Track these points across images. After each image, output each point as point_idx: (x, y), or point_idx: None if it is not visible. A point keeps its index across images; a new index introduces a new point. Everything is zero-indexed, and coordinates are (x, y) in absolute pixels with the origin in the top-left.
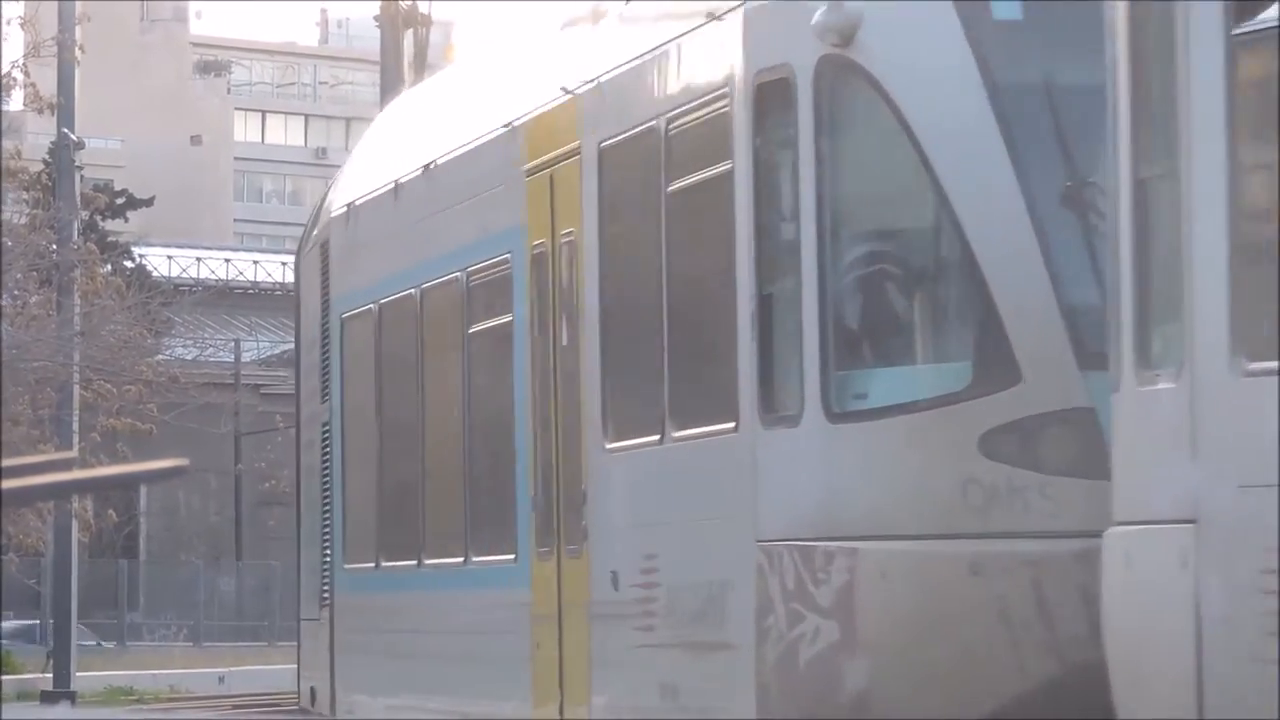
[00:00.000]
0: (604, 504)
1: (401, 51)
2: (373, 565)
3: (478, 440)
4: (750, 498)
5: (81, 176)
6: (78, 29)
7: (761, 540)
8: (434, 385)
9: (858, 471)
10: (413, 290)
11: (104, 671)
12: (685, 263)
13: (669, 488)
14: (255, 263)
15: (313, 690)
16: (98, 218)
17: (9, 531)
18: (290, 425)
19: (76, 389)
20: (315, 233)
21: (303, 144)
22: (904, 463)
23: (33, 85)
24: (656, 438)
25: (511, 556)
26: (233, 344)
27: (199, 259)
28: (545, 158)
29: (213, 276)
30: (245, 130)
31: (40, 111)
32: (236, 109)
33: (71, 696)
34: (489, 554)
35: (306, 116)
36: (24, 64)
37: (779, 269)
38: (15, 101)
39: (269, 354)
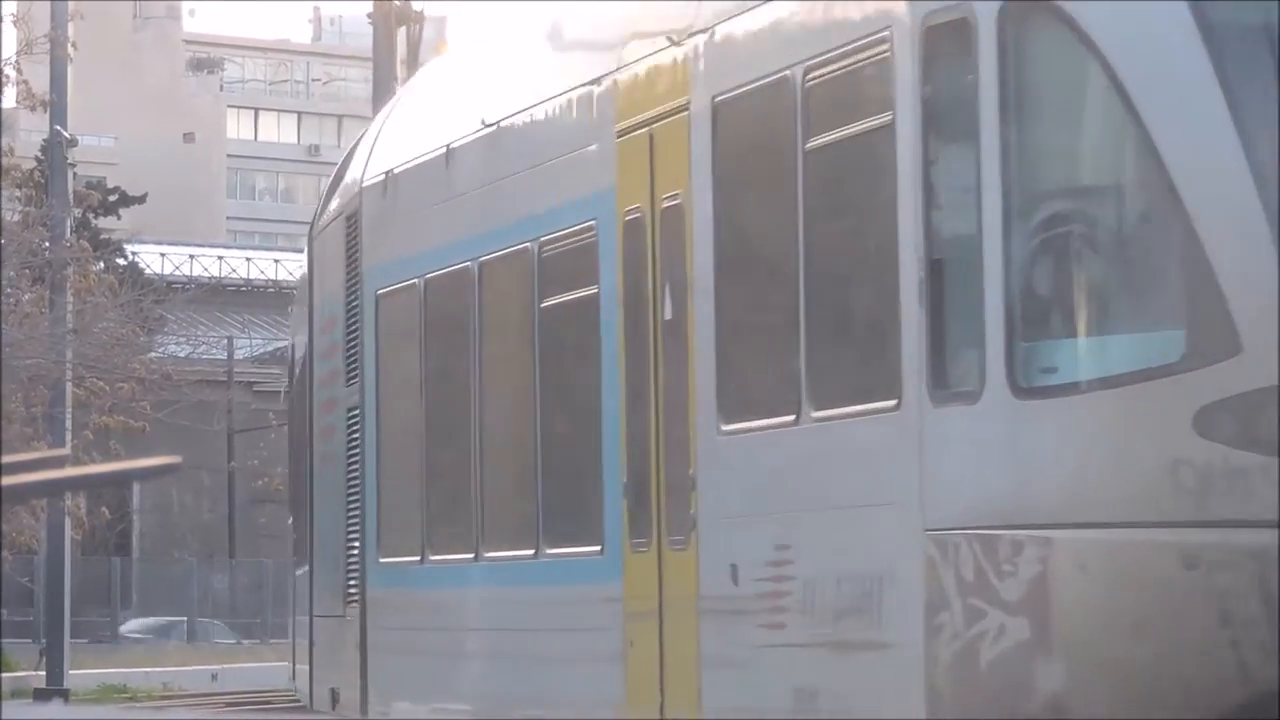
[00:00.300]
0: (718, 492)
1: (394, 48)
2: (417, 559)
3: (551, 424)
4: (915, 482)
5: (74, 174)
6: (70, 26)
7: (931, 529)
8: (494, 364)
9: (1049, 452)
10: (469, 263)
11: (97, 670)
12: (828, 226)
13: (806, 473)
14: (248, 260)
15: (333, 692)
16: (90, 215)
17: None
18: (284, 423)
19: (69, 386)
20: (334, 206)
21: (295, 141)
22: (1104, 443)
23: (25, 83)
24: (790, 418)
25: (597, 548)
26: (225, 341)
27: (192, 256)
28: (643, 115)
29: (205, 274)
30: (238, 127)
31: (33, 109)
32: (229, 106)
33: (64, 694)
34: (567, 546)
35: (299, 114)
36: (16, 61)
37: (953, 230)
38: (8, 99)
39: (262, 351)
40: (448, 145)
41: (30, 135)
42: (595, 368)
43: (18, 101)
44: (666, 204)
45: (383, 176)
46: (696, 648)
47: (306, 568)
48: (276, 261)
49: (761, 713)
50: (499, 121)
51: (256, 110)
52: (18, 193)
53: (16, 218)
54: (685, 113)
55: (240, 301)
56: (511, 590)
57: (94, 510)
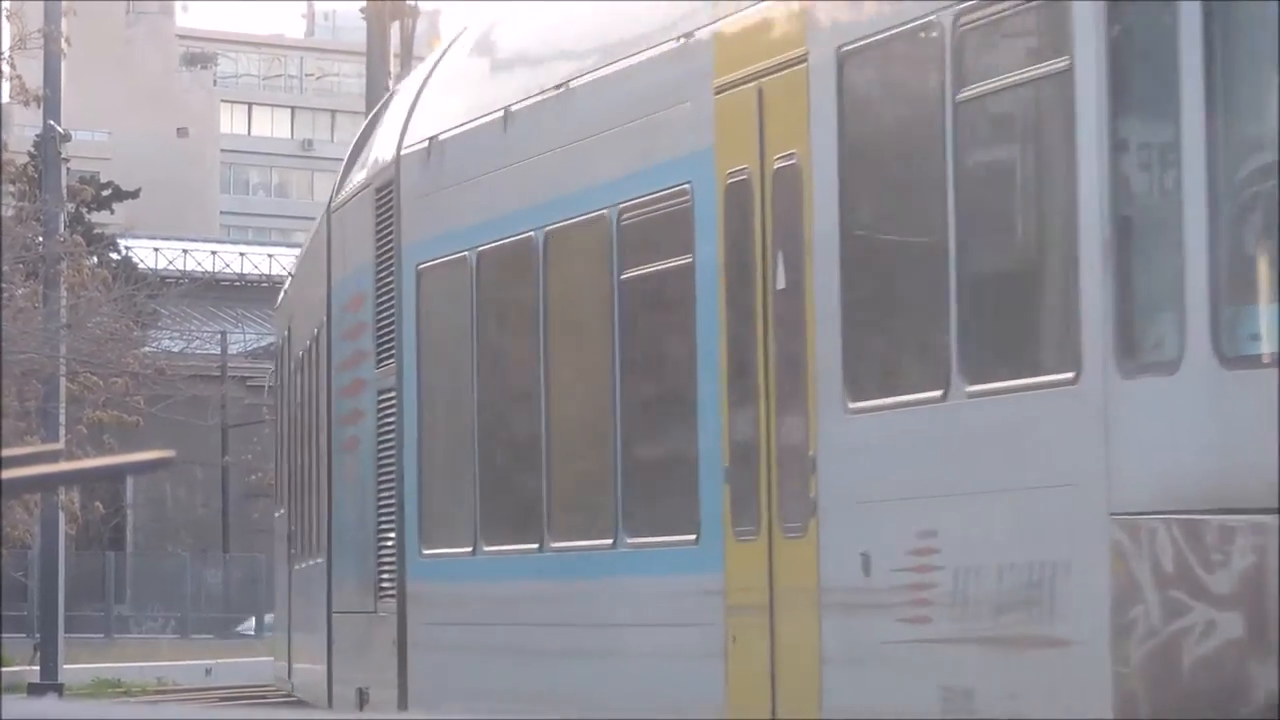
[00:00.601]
0: (844, 474)
1: (388, 43)
2: (468, 550)
3: (633, 403)
4: (1099, 462)
5: (68, 169)
6: (64, 21)
7: (1119, 513)
8: (563, 340)
9: (1262, 428)
10: (532, 233)
11: (91, 664)
12: (985, 182)
13: (957, 453)
14: (242, 255)
15: (361, 692)
16: (84, 210)
17: None
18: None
19: (63, 381)
20: (359, 179)
21: (289, 136)
22: None
23: (19, 78)
24: (938, 394)
25: (691, 537)
26: (219, 336)
27: (185, 251)
28: (749, 69)
29: (199, 269)
30: (231, 122)
31: (26, 104)
32: (223, 101)
33: (59, 689)
34: (654, 535)
35: (293, 109)
36: (10, 56)
37: (1147, 185)
38: (1, 94)
39: (255, 346)
40: (506, 108)
41: (24, 130)
42: (689, 342)
43: (11, 96)
44: (780, 164)
45: (425, 143)
46: (817, 643)
47: (317, 560)
48: (270, 256)
49: (900, 712)
50: (568, 81)
51: (250, 105)
52: (11, 188)
53: (10, 212)
54: (802, 65)
55: (234, 296)
56: (584, 583)
57: (88, 505)
